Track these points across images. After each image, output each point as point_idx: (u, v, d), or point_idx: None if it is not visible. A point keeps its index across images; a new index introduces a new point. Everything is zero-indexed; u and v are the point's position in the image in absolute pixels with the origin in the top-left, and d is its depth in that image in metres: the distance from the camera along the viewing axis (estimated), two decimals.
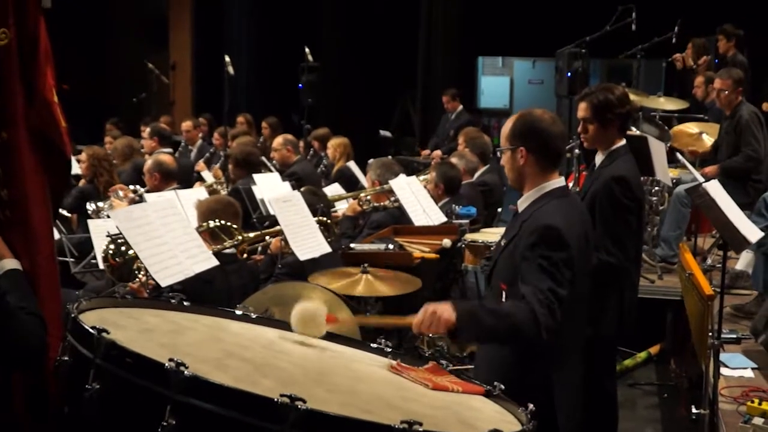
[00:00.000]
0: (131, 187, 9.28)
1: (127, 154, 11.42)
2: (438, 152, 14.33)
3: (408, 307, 6.84)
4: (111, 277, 5.89)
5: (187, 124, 14.77)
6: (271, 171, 10.73)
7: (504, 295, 4.25)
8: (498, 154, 4.57)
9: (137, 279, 5.52)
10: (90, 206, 8.79)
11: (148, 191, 8.76)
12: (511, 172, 4.47)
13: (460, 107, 15.25)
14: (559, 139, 4.43)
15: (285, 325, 3.96)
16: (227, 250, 6.27)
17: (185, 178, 10.98)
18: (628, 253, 5.46)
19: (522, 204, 4.44)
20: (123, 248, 5.65)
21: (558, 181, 4.41)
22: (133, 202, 8.66)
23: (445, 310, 3.91)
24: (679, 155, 8.86)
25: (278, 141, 11.72)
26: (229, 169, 10.38)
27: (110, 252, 5.76)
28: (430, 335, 5.93)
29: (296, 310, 3.90)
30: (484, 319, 3.96)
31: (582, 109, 5.76)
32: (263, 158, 11.32)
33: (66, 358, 3.14)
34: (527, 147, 4.35)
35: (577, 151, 8.99)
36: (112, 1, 20.16)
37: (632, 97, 10.10)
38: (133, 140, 12.35)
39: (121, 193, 9.02)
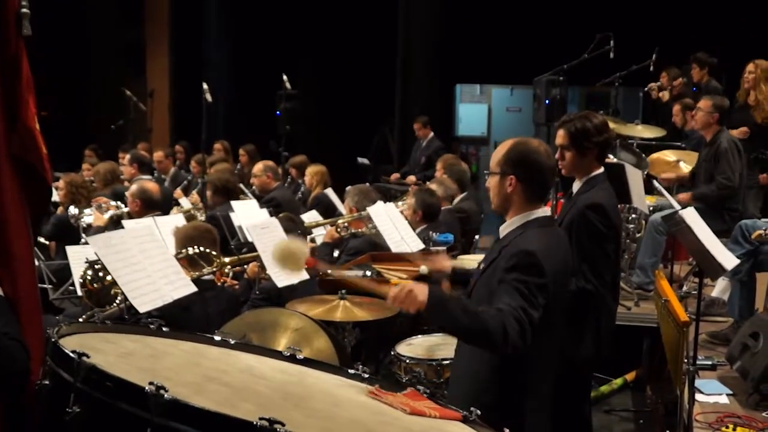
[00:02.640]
0: (113, 203, 9.26)
1: (109, 179, 11.39)
2: (413, 177, 14.42)
3: (386, 333, 6.89)
4: (88, 302, 5.88)
5: (158, 155, 14.74)
6: (248, 198, 10.74)
7: None
8: (486, 176, 4.57)
9: (114, 304, 5.53)
10: (72, 210, 8.82)
11: (129, 216, 8.73)
12: (496, 197, 4.46)
13: (431, 134, 15.39)
14: (550, 174, 4.44)
15: (263, 351, 3.98)
16: (206, 277, 6.27)
17: (163, 205, 10.96)
18: (604, 280, 5.46)
19: (504, 230, 4.45)
20: (101, 274, 5.66)
21: (543, 211, 4.42)
22: (113, 217, 8.66)
23: (421, 293, 3.93)
24: (655, 182, 8.89)
25: (258, 167, 11.77)
26: (207, 195, 10.38)
27: (88, 277, 5.77)
28: (407, 361, 5.95)
29: (280, 243, 3.96)
30: (454, 311, 3.92)
31: (560, 137, 5.79)
32: (241, 185, 11.34)
33: (46, 382, 3.14)
34: (518, 176, 4.35)
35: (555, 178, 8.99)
36: (90, 28, 20.14)
37: (610, 124, 10.20)
38: (117, 166, 12.31)
39: (103, 206, 9.01)
